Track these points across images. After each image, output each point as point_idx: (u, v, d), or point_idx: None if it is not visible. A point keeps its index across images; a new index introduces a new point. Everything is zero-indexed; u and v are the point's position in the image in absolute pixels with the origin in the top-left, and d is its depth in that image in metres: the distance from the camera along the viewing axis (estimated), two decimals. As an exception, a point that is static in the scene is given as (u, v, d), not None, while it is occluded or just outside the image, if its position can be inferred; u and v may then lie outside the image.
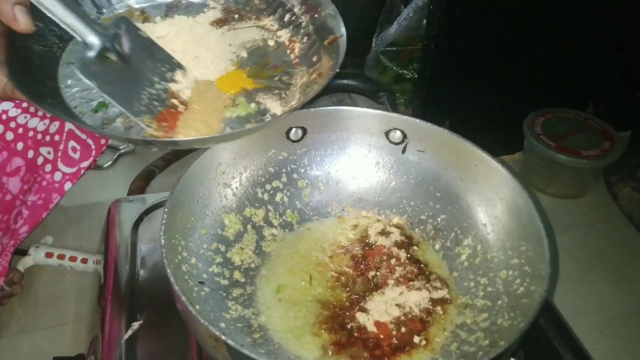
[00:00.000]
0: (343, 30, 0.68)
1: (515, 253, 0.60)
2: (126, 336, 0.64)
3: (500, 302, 0.58)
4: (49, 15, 0.56)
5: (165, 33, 0.70)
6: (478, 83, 1.11)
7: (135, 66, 0.61)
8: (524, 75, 1.15)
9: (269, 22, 0.76)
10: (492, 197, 0.65)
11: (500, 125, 1.20)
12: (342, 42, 0.67)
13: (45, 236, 1.07)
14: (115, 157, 1.28)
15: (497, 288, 0.60)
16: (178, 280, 0.50)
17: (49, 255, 1.03)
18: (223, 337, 0.43)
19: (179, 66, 0.66)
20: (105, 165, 1.26)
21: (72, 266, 1.02)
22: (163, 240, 0.52)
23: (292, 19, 0.75)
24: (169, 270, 0.49)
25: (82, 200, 1.15)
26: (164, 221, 0.54)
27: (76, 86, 0.64)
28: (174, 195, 0.58)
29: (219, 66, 0.70)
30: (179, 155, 1.16)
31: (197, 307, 0.53)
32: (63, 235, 1.09)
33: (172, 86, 0.64)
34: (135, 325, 0.65)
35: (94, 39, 0.58)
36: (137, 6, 0.76)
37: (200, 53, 0.70)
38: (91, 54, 0.58)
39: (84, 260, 1.02)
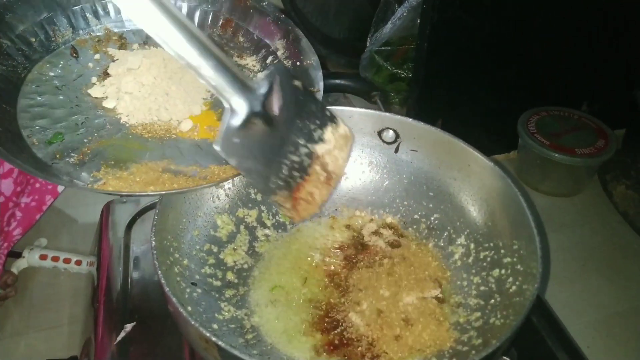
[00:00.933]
0: (321, 84, 0.67)
1: (508, 251, 0.60)
2: (119, 338, 0.64)
3: (493, 301, 0.58)
4: (193, 70, 0.44)
5: (137, 65, 0.67)
6: (472, 82, 1.11)
7: (281, 128, 0.50)
8: (517, 74, 1.15)
9: (251, 61, 0.75)
10: (484, 196, 0.65)
11: (494, 124, 1.20)
12: (319, 95, 0.66)
13: (39, 238, 1.07)
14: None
15: (490, 287, 0.60)
16: (169, 281, 0.50)
17: (43, 257, 1.02)
18: (214, 339, 0.43)
19: (332, 120, 0.56)
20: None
21: (67, 268, 1.02)
22: (154, 242, 0.52)
23: (275, 62, 0.73)
24: (159, 272, 0.49)
25: (75, 201, 1.15)
26: (155, 222, 0.54)
27: (36, 110, 0.59)
28: (165, 196, 0.58)
29: (190, 106, 0.67)
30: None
31: (189, 308, 0.53)
32: (57, 237, 1.09)
33: (319, 148, 0.54)
34: (128, 327, 0.65)
35: (241, 103, 0.46)
36: (116, 30, 0.74)
37: (171, 90, 0.67)
38: (236, 122, 0.46)
39: (78, 262, 1.01)
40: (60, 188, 1.01)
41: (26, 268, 1.02)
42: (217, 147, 0.46)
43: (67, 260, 1.02)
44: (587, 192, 1.18)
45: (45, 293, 1.00)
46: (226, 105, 0.47)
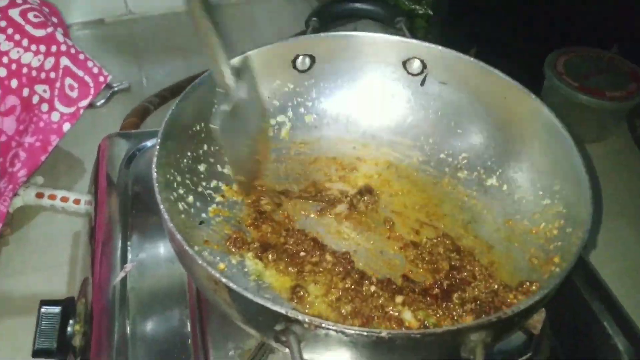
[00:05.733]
0: None
1: (547, 193, 0.55)
2: (118, 278, 0.60)
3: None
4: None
5: None
6: (499, 18, 1.03)
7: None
8: (544, 13, 1.06)
9: None
10: (522, 133, 0.59)
11: (519, 66, 1.12)
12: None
13: (36, 176, 1.01)
14: (108, 95, 1.20)
15: (527, 231, 0.55)
16: (173, 217, 0.44)
17: (39, 195, 0.97)
18: (224, 280, 0.38)
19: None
20: (98, 104, 1.18)
21: (64, 207, 0.97)
22: (155, 174, 0.46)
23: None
24: (162, 207, 0.43)
25: (74, 139, 1.09)
26: (156, 153, 0.48)
27: None
28: (167, 125, 0.51)
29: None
30: (175, 92, 1.09)
31: (196, 248, 0.48)
32: (54, 176, 1.03)
33: None
34: (128, 267, 0.61)
35: (233, 85, 0.51)
36: None
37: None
38: (225, 107, 0.51)
39: (77, 201, 0.97)
40: (66, 127, 0.96)
41: (22, 207, 0.97)
42: (214, 126, 0.50)
43: (64, 199, 0.97)
44: (614, 138, 1.12)
45: (44, 233, 0.96)
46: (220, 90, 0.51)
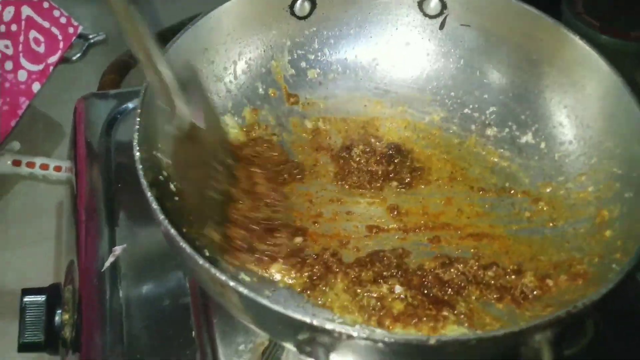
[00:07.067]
0: None
1: (595, 151, 0.49)
2: (107, 264, 0.54)
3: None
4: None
5: None
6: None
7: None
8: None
9: None
10: (563, 81, 0.52)
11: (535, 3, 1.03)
12: None
13: (11, 142, 0.94)
14: (84, 47, 1.10)
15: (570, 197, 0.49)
16: (162, 207, 0.37)
17: (16, 163, 0.92)
18: (232, 284, 0.31)
19: None
20: (73, 58, 1.09)
21: (45, 175, 0.91)
22: (137, 153, 0.38)
23: None
24: (149, 194, 0.36)
25: (50, 99, 1.01)
26: (136, 127, 0.40)
27: None
28: (147, 91, 0.43)
29: None
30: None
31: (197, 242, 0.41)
32: (31, 141, 0.97)
33: None
34: (117, 250, 0.55)
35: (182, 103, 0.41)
36: None
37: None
38: (171, 129, 0.41)
39: (57, 168, 0.91)
40: (35, 87, 0.90)
41: (-1, 176, 0.90)
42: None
43: (44, 167, 0.91)
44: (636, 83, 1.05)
45: (24, 204, 0.92)
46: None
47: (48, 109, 1.01)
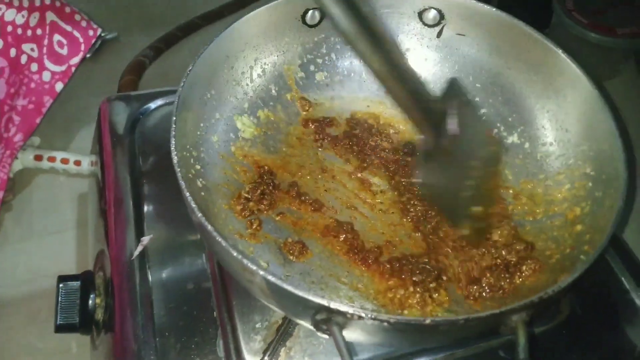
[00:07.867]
0: None
1: (572, 153, 0.53)
2: (136, 253, 0.59)
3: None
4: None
5: None
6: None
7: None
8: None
9: None
10: (546, 87, 0.57)
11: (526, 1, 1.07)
12: None
13: (32, 137, 0.98)
14: (97, 45, 1.13)
15: (550, 195, 0.54)
16: (199, 205, 0.42)
17: (38, 157, 0.94)
18: (262, 273, 0.37)
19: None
20: (87, 56, 1.12)
21: (65, 169, 0.94)
22: (176, 158, 0.44)
23: None
24: (187, 194, 0.41)
25: (65, 96, 1.04)
26: (173, 132, 0.45)
27: None
28: (181, 97, 0.48)
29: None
30: (170, 42, 1.03)
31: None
32: (50, 135, 1.00)
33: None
34: (145, 239, 0.60)
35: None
36: None
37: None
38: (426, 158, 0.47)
39: (77, 163, 0.94)
40: (58, 87, 0.93)
41: (21, 170, 0.94)
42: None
43: (64, 161, 0.94)
44: (621, 78, 1.08)
45: (46, 196, 0.94)
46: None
47: (64, 104, 1.04)
